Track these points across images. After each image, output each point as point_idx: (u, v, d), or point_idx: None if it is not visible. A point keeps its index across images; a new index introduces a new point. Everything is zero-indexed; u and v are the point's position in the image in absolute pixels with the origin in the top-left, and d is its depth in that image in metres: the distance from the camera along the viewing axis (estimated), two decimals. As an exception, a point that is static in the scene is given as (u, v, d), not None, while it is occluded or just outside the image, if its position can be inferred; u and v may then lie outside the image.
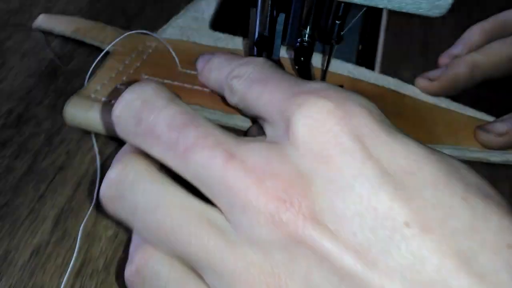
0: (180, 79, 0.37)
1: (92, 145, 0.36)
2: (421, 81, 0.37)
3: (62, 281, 0.27)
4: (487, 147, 0.34)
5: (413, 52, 0.43)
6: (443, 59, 0.39)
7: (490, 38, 0.37)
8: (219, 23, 0.44)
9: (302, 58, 0.32)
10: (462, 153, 0.34)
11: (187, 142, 0.19)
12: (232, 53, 0.30)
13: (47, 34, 0.42)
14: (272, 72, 0.23)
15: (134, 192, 0.19)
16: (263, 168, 0.18)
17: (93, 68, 0.38)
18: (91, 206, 0.31)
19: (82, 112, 0.35)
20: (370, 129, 0.18)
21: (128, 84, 0.37)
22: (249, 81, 0.23)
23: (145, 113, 0.20)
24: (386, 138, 0.18)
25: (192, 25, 0.42)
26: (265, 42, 0.31)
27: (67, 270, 0.28)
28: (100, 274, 0.28)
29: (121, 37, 0.38)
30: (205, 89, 0.37)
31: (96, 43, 0.40)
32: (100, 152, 0.34)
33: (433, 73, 0.37)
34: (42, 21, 0.42)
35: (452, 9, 0.46)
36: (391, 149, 0.18)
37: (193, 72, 0.38)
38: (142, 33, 0.39)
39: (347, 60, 0.39)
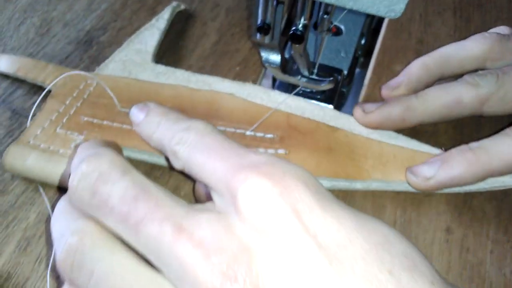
0: (119, 120, 0.37)
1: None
2: (357, 110, 0.37)
3: None
4: (416, 189, 0.35)
5: (408, 48, 0.43)
6: (384, 91, 0.39)
7: (431, 74, 0.37)
8: (164, 53, 0.44)
9: (296, 45, 0.34)
10: (389, 186, 0.35)
11: (137, 215, 0.20)
12: (167, 107, 0.31)
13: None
14: (214, 139, 0.24)
15: (92, 260, 0.20)
16: (210, 242, 0.19)
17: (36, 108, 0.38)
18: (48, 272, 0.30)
19: (19, 162, 0.35)
20: (306, 204, 0.20)
21: (68, 128, 0.37)
22: (192, 149, 0.24)
23: (100, 186, 0.21)
24: (320, 213, 0.20)
25: (134, 58, 0.42)
26: (266, 29, 0.33)
27: None
28: None
29: (58, 78, 0.38)
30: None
31: (38, 83, 0.40)
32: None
33: (368, 106, 0.37)
34: None
35: (454, 10, 0.46)
36: (325, 223, 0.19)
37: (132, 111, 0.38)
38: (80, 73, 0.39)
39: (347, 53, 0.40)
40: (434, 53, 0.37)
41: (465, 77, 0.34)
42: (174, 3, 0.45)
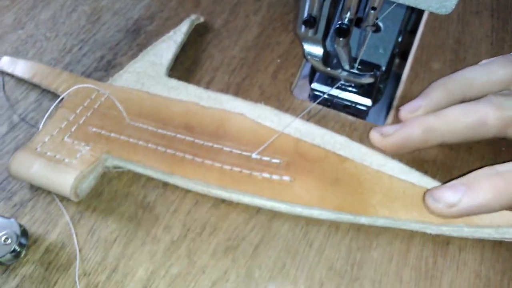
0: (126, 133, 0.36)
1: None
2: (374, 134, 0.35)
3: None
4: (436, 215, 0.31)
5: (446, 47, 0.42)
6: (403, 113, 0.36)
7: (453, 97, 0.34)
8: (181, 65, 0.42)
9: (340, 38, 0.33)
10: (396, 224, 0.34)
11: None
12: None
13: (6, 75, 0.42)
14: None
15: None
16: None
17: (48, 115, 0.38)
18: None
19: (24, 169, 0.35)
20: None
21: (75, 137, 0.36)
22: None
23: None
24: None
25: (148, 71, 0.41)
26: (312, 22, 0.33)
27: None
28: None
29: (70, 90, 0.38)
30: (149, 145, 0.36)
31: (51, 89, 0.40)
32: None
33: (387, 129, 0.34)
34: (4, 63, 0.42)
35: (491, 11, 0.46)
36: None
37: (140, 125, 0.37)
38: (92, 86, 0.38)
39: (385, 49, 0.40)
40: (457, 76, 0.35)
41: (490, 96, 0.32)
42: (193, 16, 0.44)
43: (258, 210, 0.33)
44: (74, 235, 0.32)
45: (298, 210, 0.33)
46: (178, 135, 0.35)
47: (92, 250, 0.32)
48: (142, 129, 0.36)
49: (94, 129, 0.35)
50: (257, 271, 0.31)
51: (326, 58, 0.38)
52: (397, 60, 0.45)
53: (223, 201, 0.33)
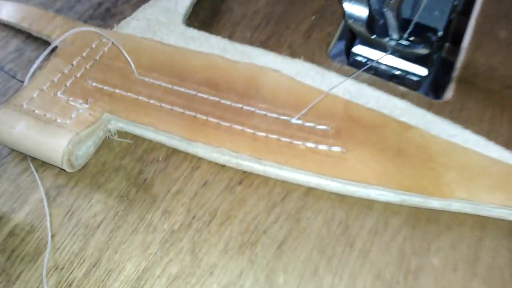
0: (134, 89, 0.30)
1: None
2: None
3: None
4: None
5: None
6: None
7: None
8: (196, 17, 0.35)
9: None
10: (475, 209, 0.26)
11: None
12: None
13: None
14: None
15: None
16: None
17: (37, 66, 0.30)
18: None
19: (6, 129, 0.28)
20: None
21: (71, 93, 0.29)
22: None
23: None
24: None
25: (161, 18, 0.33)
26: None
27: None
28: None
29: (67, 33, 0.30)
30: (163, 105, 0.29)
31: (43, 36, 0.32)
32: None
33: None
34: None
35: None
36: None
37: (152, 80, 0.30)
38: (93, 29, 0.31)
39: (442, 12, 0.33)
40: None
41: None
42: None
43: (285, 196, 0.28)
44: (47, 216, 0.24)
45: (352, 189, 0.28)
46: (200, 94, 0.30)
47: (69, 237, 0.26)
48: (154, 85, 0.30)
49: (94, 84, 0.31)
50: (281, 276, 0.25)
51: (371, 23, 0.32)
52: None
53: (239, 182, 0.28)
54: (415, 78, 0.34)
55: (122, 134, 0.30)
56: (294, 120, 0.29)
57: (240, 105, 0.30)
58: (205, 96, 0.30)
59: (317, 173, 0.27)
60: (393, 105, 0.30)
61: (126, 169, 0.29)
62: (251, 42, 0.34)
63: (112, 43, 0.32)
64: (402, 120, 0.29)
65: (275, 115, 0.29)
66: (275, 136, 0.28)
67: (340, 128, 0.29)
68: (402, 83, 0.34)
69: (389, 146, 0.28)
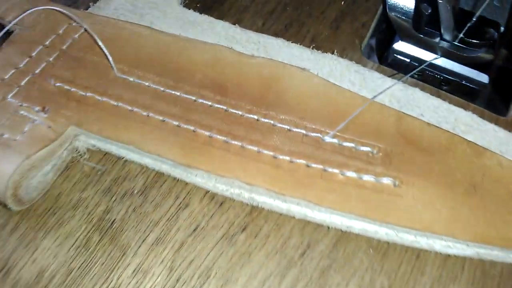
0: (113, 93, 0.24)
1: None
2: None
3: None
4: None
5: None
6: None
7: None
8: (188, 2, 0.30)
9: None
10: None
11: None
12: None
13: None
14: None
15: None
16: None
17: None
18: None
19: None
20: None
21: (25, 97, 0.21)
22: None
23: None
24: None
25: (152, -4, 0.26)
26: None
27: None
28: None
29: (26, 13, 0.23)
30: (151, 115, 0.21)
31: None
32: None
33: None
34: None
35: None
36: None
37: (137, 81, 0.22)
38: (59, 9, 0.23)
39: (503, 1, 0.26)
40: None
41: None
42: None
43: (305, 249, 0.22)
44: None
45: (409, 238, 0.22)
46: (201, 100, 0.24)
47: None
48: (140, 87, 0.24)
49: (58, 84, 0.24)
50: None
51: (419, 18, 0.28)
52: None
53: (243, 228, 0.22)
54: (473, 86, 0.29)
55: (95, 154, 0.22)
56: (328, 139, 0.23)
57: (255, 117, 0.23)
58: (209, 103, 0.24)
59: (360, 215, 0.21)
60: (455, 118, 0.25)
61: (87, 206, 0.23)
62: (263, 33, 0.28)
63: (85, 29, 0.25)
64: (470, 138, 0.23)
65: (302, 131, 0.23)
66: (302, 162, 0.22)
67: (390, 151, 0.23)
68: (456, 91, 0.29)
69: (459, 179, 0.22)
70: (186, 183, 0.22)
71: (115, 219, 0.22)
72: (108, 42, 0.24)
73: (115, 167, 0.23)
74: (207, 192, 0.22)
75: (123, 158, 0.23)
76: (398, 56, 0.30)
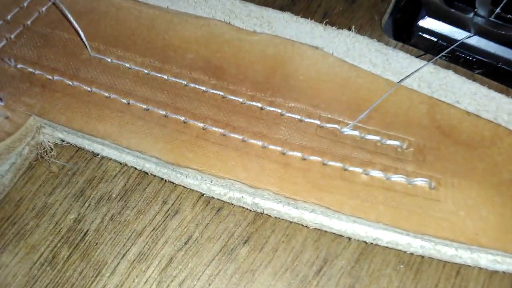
0: (85, 76, 0.20)
1: None
2: None
3: None
4: None
5: None
6: None
7: None
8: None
9: None
10: None
11: None
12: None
13: None
14: None
15: None
16: None
17: None
18: None
19: None
20: None
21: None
22: None
23: None
24: None
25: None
26: None
27: None
28: None
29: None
30: (132, 103, 0.18)
31: None
32: None
33: None
34: None
35: None
36: None
37: (115, 61, 0.19)
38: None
39: None
40: None
41: None
42: None
43: (321, 267, 0.18)
44: None
45: (449, 252, 0.18)
46: (192, 85, 0.20)
47: None
48: (118, 69, 0.20)
49: (20, 66, 0.21)
50: None
51: None
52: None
53: (245, 241, 0.19)
54: (510, 69, 0.26)
55: (64, 151, 0.18)
56: (347, 131, 0.19)
57: (258, 105, 0.20)
58: (202, 88, 0.20)
59: (389, 224, 0.18)
60: (496, 106, 0.21)
61: (55, 214, 0.19)
62: (267, 7, 0.24)
63: (54, 2, 0.21)
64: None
65: (316, 122, 0.20)
66: (317, 159, 0.19)
67: (423, 146, 0.19)
68: (490, 74, 0.26)
69: (507, 179, 0.18)
70: (175, 186, 0.18)
71: (88, 230, 0.18)
72: (81, 16, 0.21)
73: (89, 166, 0.19)
74: (201, 196, 0.18)
75: (99, 155, 0.19)
76: (424, 35, 0.26)
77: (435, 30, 0.26)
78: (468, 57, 0.26)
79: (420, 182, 0.18)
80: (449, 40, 0.26)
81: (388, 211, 0.17)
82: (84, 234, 0.18)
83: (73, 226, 0.18)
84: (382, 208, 0.17)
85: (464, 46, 0.26)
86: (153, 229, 0.18)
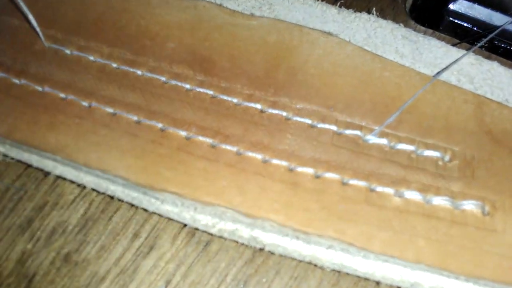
0: (37, 72, 0.16)
1: None
2: None
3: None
4: None
5: None
6: None
7: None
8: None
9: None
10: None
11: None
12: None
13: None
14: None
15: None
16: None
17: None
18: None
19: None
20: None
21: None
22: None
23: None
24: None
25: None
26: None
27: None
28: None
29: None
30: (95, 106, 0.14)
31: None
32: None
33: None
34: None
35: None
36: None
37: (75, 53, 0.15)
38: None
39: None
40: None
41: None
42: None
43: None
44: None
45: None
46: (174, 81, 0.16)
47: None
48: (79, 62, 0.17)
49: None
50: None
51: None
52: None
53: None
54: None
55: (10, 168, 0.14)
56: (372, 138, 0.15)
57: (258, 106, 0.16)
58: (186, 86, 0.16)
59: (432, 265, 0.14)
60: None
61: None
62: None
63: None
64: None
65: (332, 128, 0.16)
66: (335, 176, 0.15)
67: (471, 158, 0.15)
68: None
69: None
70: (151, 213, 0.14)
71: (35, 274, 0.14)
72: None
73: (41, 188, 0.15)
74: (184, 226, 0.14)
75: (54, 173, 0.15)
76: (455, 20, 0.22)
77: (469, 15, 0.23)
78: (509, 47, 0.22)
79: (470, 205, 0.14)
80: (486, 27, 0.23)
81: (430, 247, 0.13)
82: (30, 280, 0.14)
83: (16, 268, 0.14)
84: (423, 243, 0.13)
85: (504, 34, 0.23)
86: (121, 271, 0.14)
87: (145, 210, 0.15)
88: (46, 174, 0.15)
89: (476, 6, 0.22)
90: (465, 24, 0.23)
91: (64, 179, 0.15)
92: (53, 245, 0.14)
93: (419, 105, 0.16)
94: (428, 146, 0.15)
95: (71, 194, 0.15)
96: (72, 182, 0.15)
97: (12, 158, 0.15)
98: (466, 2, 0.22)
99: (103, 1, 0.17)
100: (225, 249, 0.14)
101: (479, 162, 0.15)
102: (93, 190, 0.15)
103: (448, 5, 0.23)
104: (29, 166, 0.15)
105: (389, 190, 0.14)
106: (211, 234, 0.14)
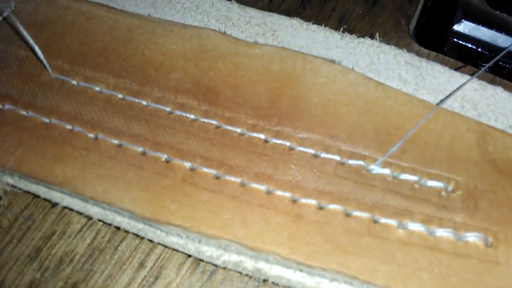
0: (43, 104, 0.17)
1: None
2: None
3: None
4: None
5: None
6: None
7: None
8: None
9: None
10: None
11: None
12: None
13: None
14: None
15: None
16: None
17: None
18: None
19: None
20: None
21: None
22: None
23: None
24: None
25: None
26: None
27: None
28: None
29: None
30: (101, 138, 0.14)
31: None
32: None
33: None
34: None
35: None
36: None
37: (82, 84, 0.15)
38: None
39: None
40: None
41: None
42: None
43: None
44: None
45: None
46: (179, 112, 0.16)
47: None
48: (86, 94, 0.17)
49: None
50: None
51: None
52: None
53: None
54: None
55: (18, 198, 0.14)
56: (375, 169, 0.16)
57: (262, 136, 0.16)
58: (191, 116, 0.16)
59: None
60: None
61: (3, 282, 0.15)
62: (271, 11, 0.21)
63: (13, 9, 0.16)
64: None
65: (335, 157, 0.16)
66: (338, 208, 0.15)
67: (474, 188, 0.15)
68: None
69: None
70: (156, 243, 0.14)
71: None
72: (43, 28, 0.17)
73: (48, 218, 0.15)
74: (189, 256, 0.14)
75: (61, 204, 0.15)
76: (459, 41, 0.22)
77: (474, 36, 0.23)
78: (512, 67, 0.22)
79: (473, 237, 0.14)
80: (491, 48, 0.22)
81: (434, 280, 0.13)
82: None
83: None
84: (426, 276, 0.13)
85: (509, 54, 0.23)
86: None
87: (140, 245, 0.15)
88: (54, 203, 0.15)
89: (480, 27, 0.22)
90: (469, 45, 0.22)
91: (73, 209, 0.15)
92: (61, 274, 0.14)
93: (422, 134, 0.16)
94: (431, 176, 0.15)
95: (78, 223, 0.15)
96: (79, 211, 0.15)
97: (21, 188, 0.16)
98: (470, 23, 0.22)
99: (108, 31, 0.17)
100: (230, 279, 0.14)
101: (482, 193, 0.15)
102: (100, 220, 0.15)
103: (452, 26, 0.23)
104: (36, 196, 0.16)
105: (392, 222, 0.14)
106: (216, 265, 0.15)
